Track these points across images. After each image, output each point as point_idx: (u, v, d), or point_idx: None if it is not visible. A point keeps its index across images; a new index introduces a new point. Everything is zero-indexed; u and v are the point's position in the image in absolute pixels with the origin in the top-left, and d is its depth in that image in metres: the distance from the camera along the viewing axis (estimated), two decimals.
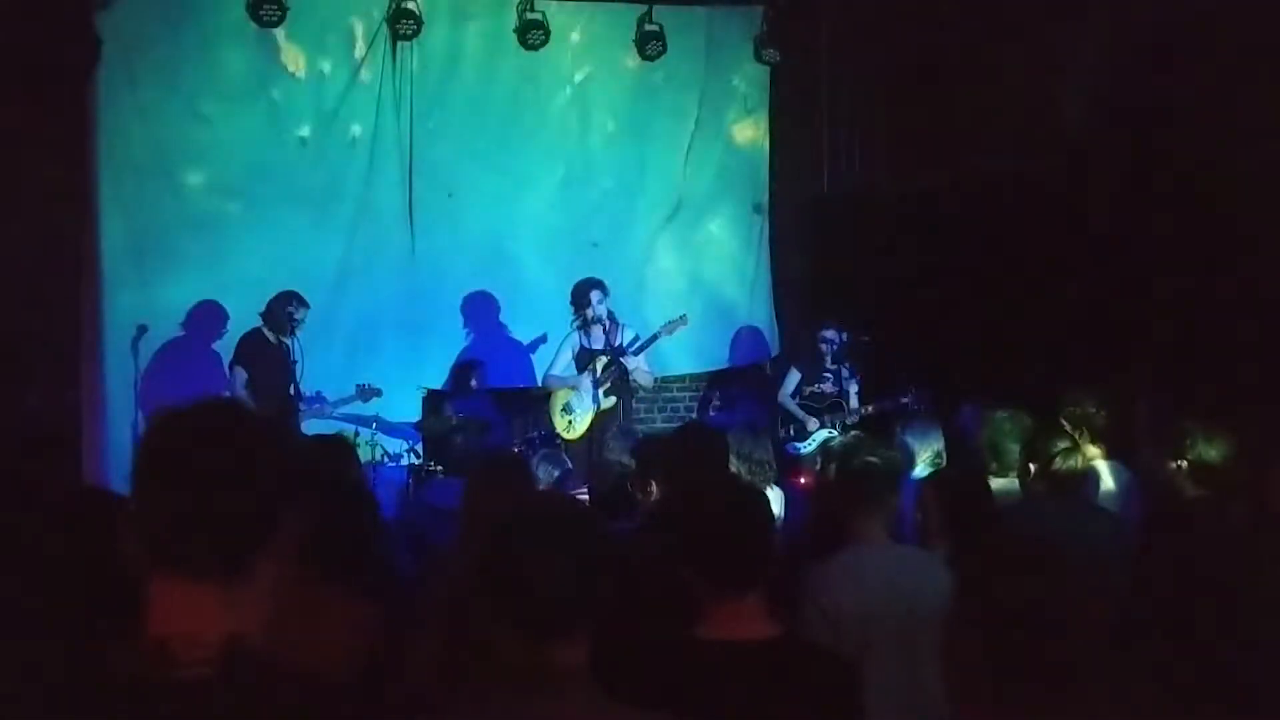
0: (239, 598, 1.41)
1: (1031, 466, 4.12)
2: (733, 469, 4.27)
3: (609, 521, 3.77)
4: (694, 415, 8.92)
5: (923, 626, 2.97)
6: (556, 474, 5.49)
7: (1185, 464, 3.93)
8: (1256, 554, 3.21)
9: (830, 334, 7.72)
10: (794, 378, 7.89)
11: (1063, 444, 4.14)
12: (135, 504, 1.45)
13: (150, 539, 1.42)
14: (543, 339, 8.44)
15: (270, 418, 1.53)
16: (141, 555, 1.41)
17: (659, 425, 8.67)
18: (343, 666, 2.56)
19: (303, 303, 7.18)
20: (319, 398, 7.40)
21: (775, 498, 4.82)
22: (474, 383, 7.75)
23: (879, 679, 2.99)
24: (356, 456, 4.24)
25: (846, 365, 7.73)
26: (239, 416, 1.54)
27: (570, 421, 7.61)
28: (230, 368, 7.12)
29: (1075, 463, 4.08)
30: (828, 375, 7.77)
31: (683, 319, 7.85)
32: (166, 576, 1.40)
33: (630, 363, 7.54)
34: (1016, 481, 4.30)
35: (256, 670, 1.37)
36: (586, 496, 4.14)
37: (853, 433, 7.20)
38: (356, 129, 8.07)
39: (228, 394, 7.10)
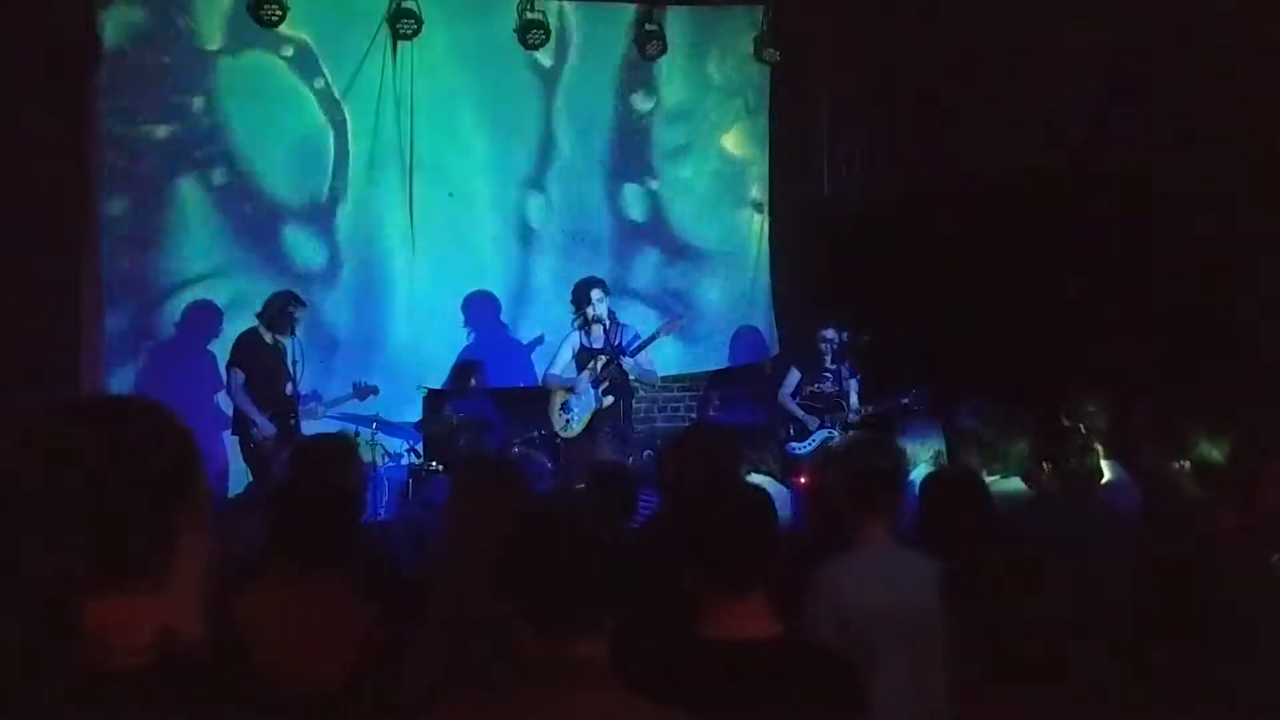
0: (164, 591, 1.37)
1: (1045, 465, 4.13)
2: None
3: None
4: (694, 415, 8.92)
5: (928, 628, 2.98)
6: (538, 472, 5.47)
7: (1185, 464, 3.92)
8: (1255, 554, 3.22)
9: (830, 334, 7.72)
10: (794, 377, 7.88)
11: (1078, 443, 4.14)
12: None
13: (44, 554, 1.34)
14: (541, 339, 8.45)
15: (148, 402, 1.43)
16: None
17: (659, 425, 8.68)
18: (330, 663, 2.56)
19: (300, 302, 7.17)
20: (315, 396, 7.40)
21: (780, 495, 4.82)
22: (474, 382, 7.75)
23: (886, 679, 2.99)
24: (358, 456, 4.23)
25: (847, 365, 7.73)
26: (108, 407, 1.44)
27: (568, 420, 7.61)
28: (227, 369, 7.10)
29: (1091, 462, 4.08)
30: (828, 375, 7.77)
31: (680, 319, 7.85)
32: (74, 586, 1.35)
33: (630, 361, 7.54)
34: (1019, 482, 4.30)
35: (190, 661, 1.36)
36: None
37: (853, 433, 7.21)
38: (357, 129, 8.08)
39: (226, 394, 7.12)
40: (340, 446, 4.06)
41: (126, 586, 1.35)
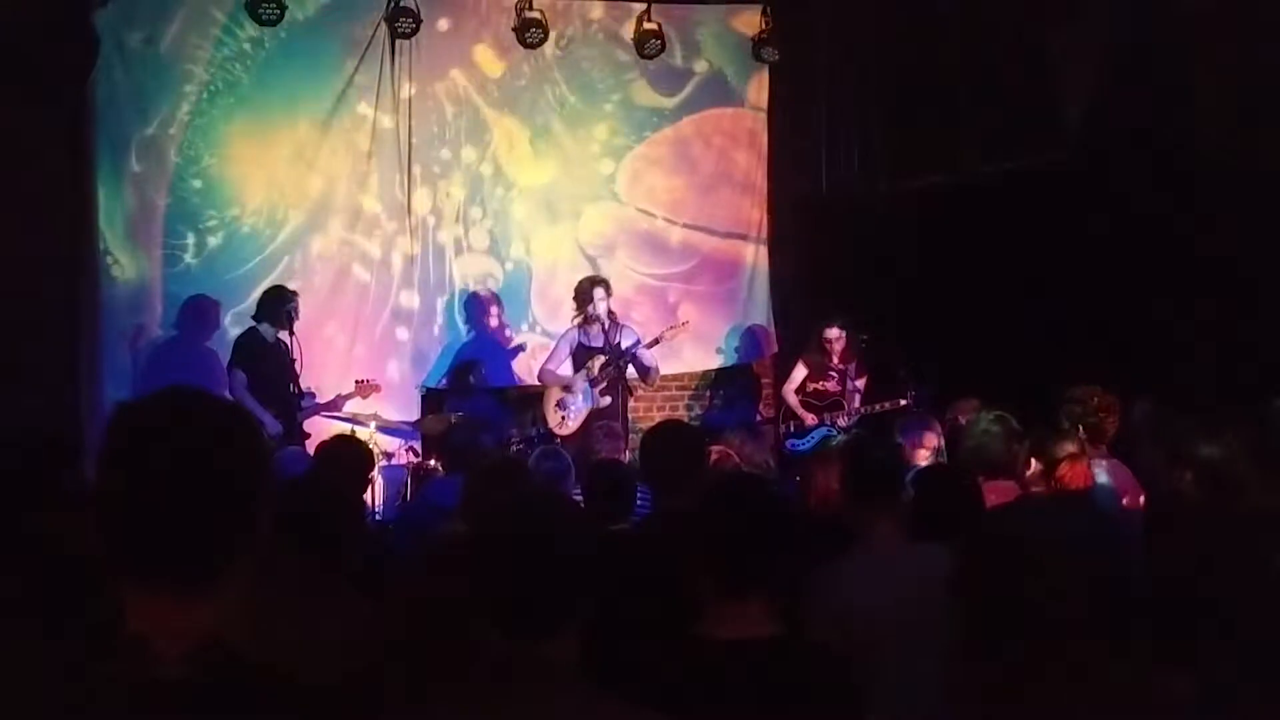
0: (217, 595, 1.37)
1: (1033, 462, 4.13)
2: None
3: (607, 521, 3.76)
4: (694, 415, 8.92)
5: (932, 625, 2.97)
6: (557, 472, 5.45)
7: (1185, 464, 3.92)
8: (1254, 554, 3.22)
9: (834, 333, 7.73)
10: (800, 373, 7.89)
11: (1069, 446, 4.15)
12: (99, 506, 1.36)
13: (115, 548, 1.35)
14: (541, 338, 8.45)
15: (238, 407, 1.45)
16: (109, 559, 1.35)
17: None
18: (340, 664, 2.56)
19: (293, 293, 7.15)
20: (317, 395, 7.38)
21: None
22: (473, 381, 7.75)
23: (889, 678, 2.98)
24: (372, 460, 4.24)
25: (854, 365, 7.74)
26: (206, 407, 1.43)
27: (563, 418, 7.61)
28: (229, 369, 7.08)
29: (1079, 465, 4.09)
30: (833, 374, 7.78)
31: (684, 324, 7.85)
32: (136, 584, 1.35)
33: (634, 361, 7.53)
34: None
35: (237, 669, 1.34)
36: (581, 496, 4.12)
37: (856, 432, 7.21)
38: (355, 127, 8.07)
39: (227, 394, 7.10)
40: (357, 450, 4.07)
41: (183, 590, 1.34)
